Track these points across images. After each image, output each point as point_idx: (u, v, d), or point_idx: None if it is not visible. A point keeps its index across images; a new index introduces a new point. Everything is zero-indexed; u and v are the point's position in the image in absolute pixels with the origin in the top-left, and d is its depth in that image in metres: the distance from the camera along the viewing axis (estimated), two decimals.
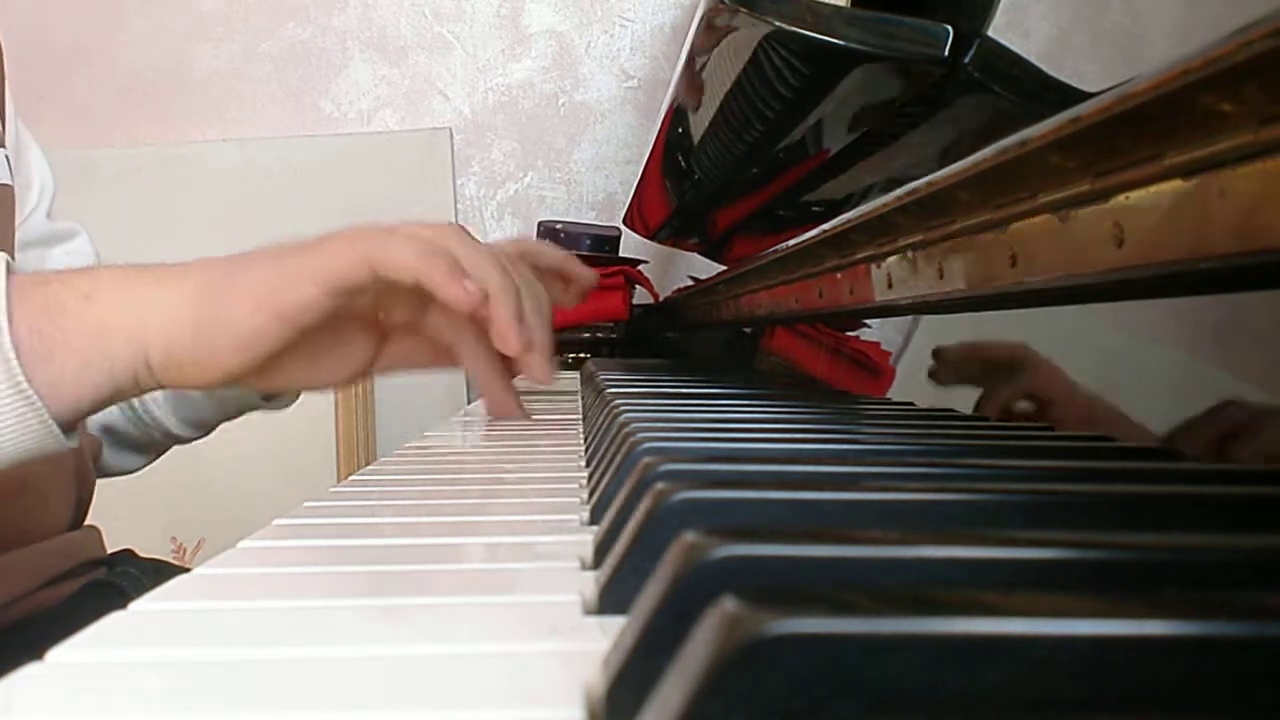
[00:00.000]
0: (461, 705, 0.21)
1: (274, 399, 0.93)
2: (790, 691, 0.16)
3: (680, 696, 0.16)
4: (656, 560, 0.23)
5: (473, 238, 0.63)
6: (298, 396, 0.95)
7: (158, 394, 0.91)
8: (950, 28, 0.64)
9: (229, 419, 0.95)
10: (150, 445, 0.95)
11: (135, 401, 0.92)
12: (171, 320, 0.56)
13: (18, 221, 0.83)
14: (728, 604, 0.17)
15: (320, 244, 0.58)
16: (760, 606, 0.16)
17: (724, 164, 1.05)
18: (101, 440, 0.92)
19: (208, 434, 0.96)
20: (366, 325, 0.65)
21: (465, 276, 0.58)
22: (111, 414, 0.91)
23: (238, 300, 0.56)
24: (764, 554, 0.22)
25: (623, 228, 1.64)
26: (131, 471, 0.97)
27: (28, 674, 0.23)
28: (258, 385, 0.64)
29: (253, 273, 0.57)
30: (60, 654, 0.24)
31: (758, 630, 0.16)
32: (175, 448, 0.96)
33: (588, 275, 0.85)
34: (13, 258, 0.83)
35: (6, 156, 0.81)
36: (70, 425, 0.58)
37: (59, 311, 0.56)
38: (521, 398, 0.95)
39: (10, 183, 0.81)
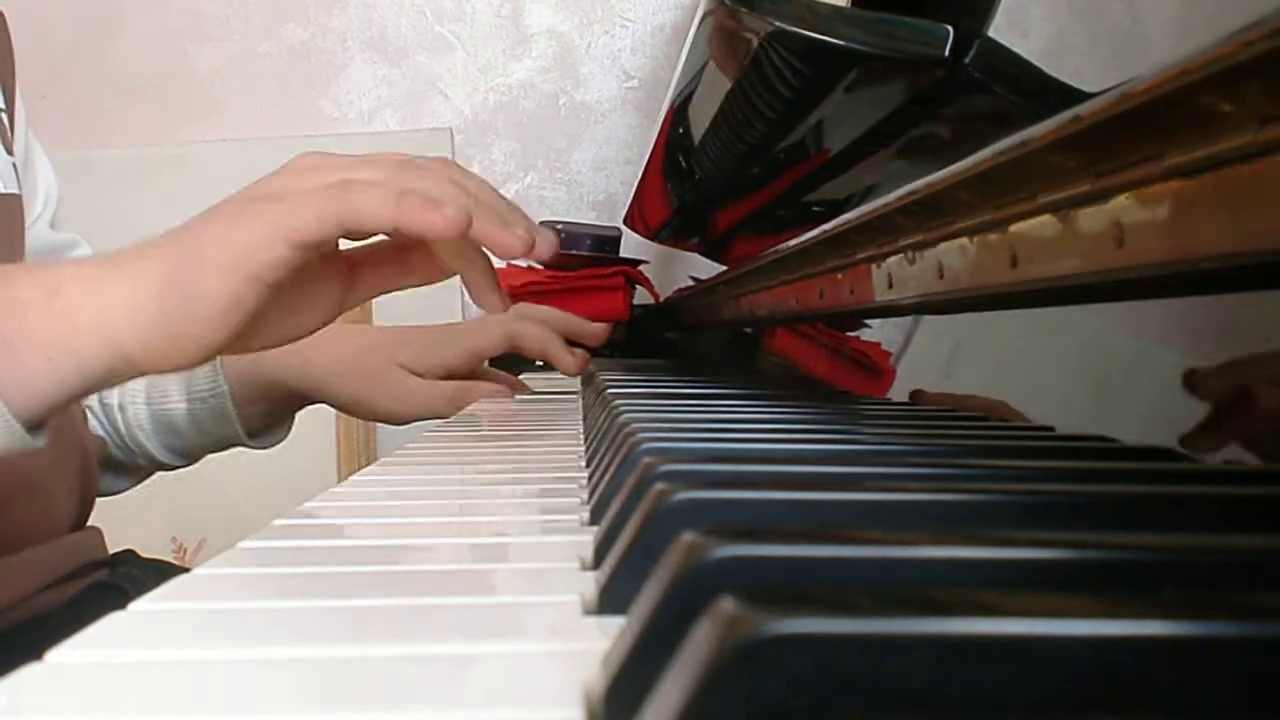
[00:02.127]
0: (461, 705, 0.21)
1: (260, 437, 0.95)
2: (789, 692, 0.16)
3: (679, 696, 0.16)
4: (656, 561, 0.23)
5: (414, 160, 0.60)
6: (286, 434, 0.97)
7: (144, 423, 0.92)
8: (950, 28, 0.63)
9: (214, 451, 0.96)
10: (136, 469, 0.96)
11: (122, 428, 0.93)
12: (138, 309, 0.55)
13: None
14: (726, 604, 0.17)
15: (279, 195, 0.55)
16: (759, 607, 0.16)
17: (724, 164, 1.05)
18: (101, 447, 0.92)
19: (193, 463, 0.97)
20: (332, 260, 0.63)
21: (439, 206, 0.55)
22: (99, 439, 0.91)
23: (205, 273, 0.54)
24: (763, 554, 0.22)
25: (623, 228, 1.64)
26: (117, 493, 0.97)
27: (28, 674, 0.23)
28: (239, 351, 0.61)
29: (214, 239, 0.55)
30: (60, 654, 0.24)
31: (756, 630, 0.16)
32: None
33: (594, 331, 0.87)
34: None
35: (15, 165, 0.82)
36: (38, 423, 0.57)
37: (21, 310, 0.55)
38: (521, 398, 0.95)
39: (18, 191, 0.81)
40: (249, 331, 0.57)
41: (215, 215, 0.56)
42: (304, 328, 0.63)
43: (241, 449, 0.97)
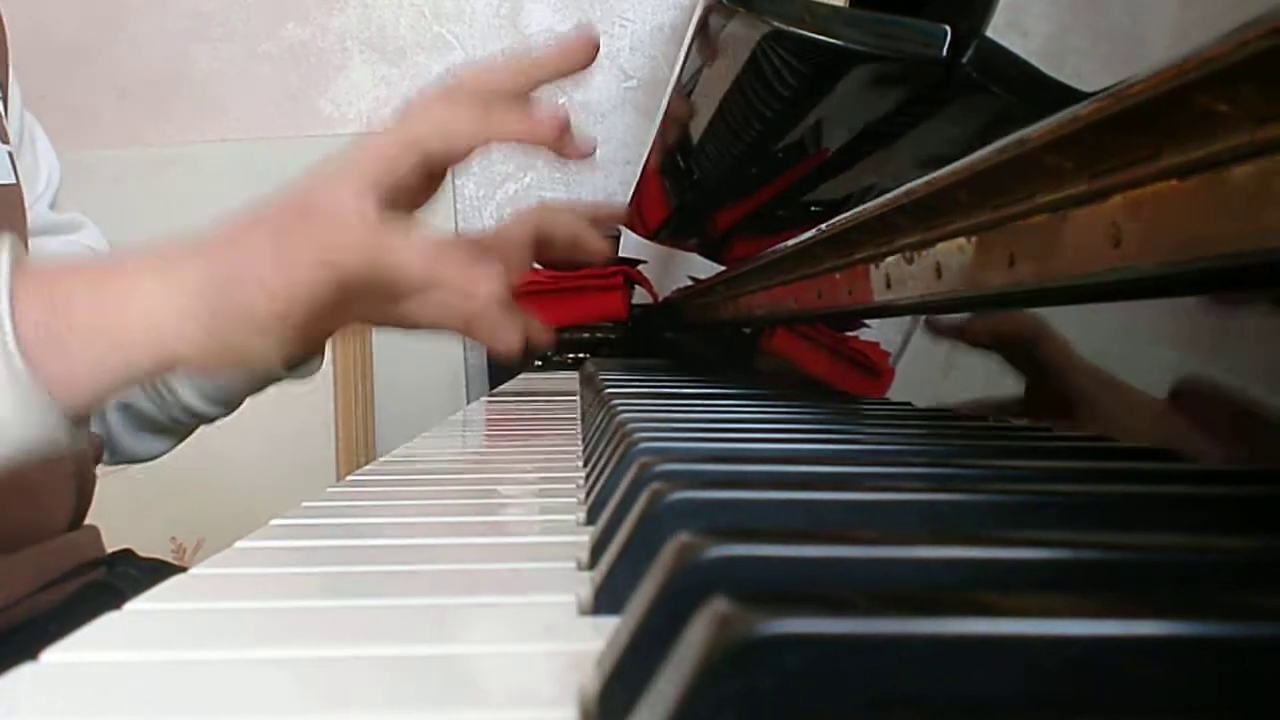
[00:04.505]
0: (456, 705, 0.21)
1: (297, 368, 0.91)
2: (782, 691, 0.16)
3: (672, 696, 0.16)
4: (651, 560, 0.23)
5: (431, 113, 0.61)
6: (321, 363, 0.93)
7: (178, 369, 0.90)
8: (948, 28, 0.63)
9: (254, 392, 0.92)
10: (173, 427, 0.93)
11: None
12: (186, 319, 0.54)
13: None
14: (719, 604, 0.17)
15: (322, 214, 0.55)
16: (752, 606, 0.16)
17: (723, 164, 1.05)
18: (110, 429, 0.91)
19: (233, 410, 0.93)
20: None
21: (471, 277, 0.55)
22: (131, 393, 0.89)
23: (250, 288, 0.54)
24: (758, 554, 0.22)
25: (622, 228, 1.63)
26: (154, 457, 0.94)
27: (23, 674, 0.23)
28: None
29: (258, 254, 0.55)
30: (55, 654, 0.24)
31: (749, 630, 0.16)
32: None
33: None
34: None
35: (10, 154, 0.81)
36: (79, 420, 0.57)
37: (67, 309, 0.55)
38: (520, 399, 0.95)
39: (15, 181, 0.81)
40: (306, 331, 0.57)
41: (257, 226, 0.56)
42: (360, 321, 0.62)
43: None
